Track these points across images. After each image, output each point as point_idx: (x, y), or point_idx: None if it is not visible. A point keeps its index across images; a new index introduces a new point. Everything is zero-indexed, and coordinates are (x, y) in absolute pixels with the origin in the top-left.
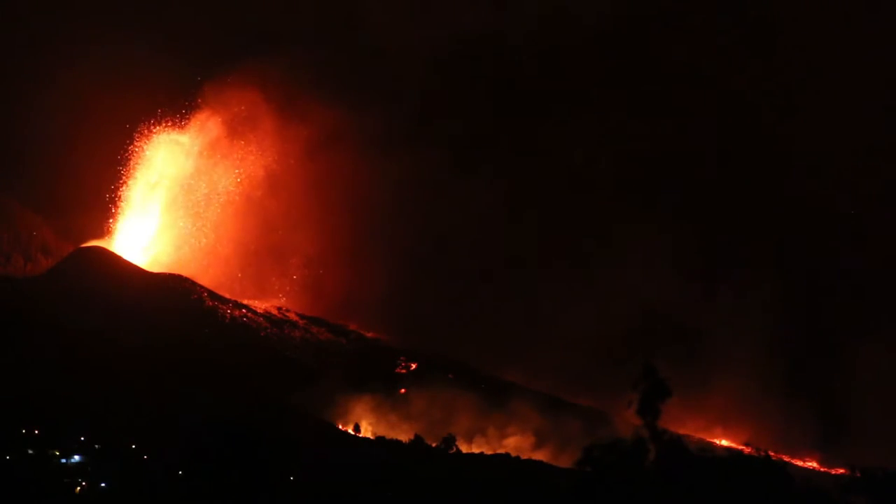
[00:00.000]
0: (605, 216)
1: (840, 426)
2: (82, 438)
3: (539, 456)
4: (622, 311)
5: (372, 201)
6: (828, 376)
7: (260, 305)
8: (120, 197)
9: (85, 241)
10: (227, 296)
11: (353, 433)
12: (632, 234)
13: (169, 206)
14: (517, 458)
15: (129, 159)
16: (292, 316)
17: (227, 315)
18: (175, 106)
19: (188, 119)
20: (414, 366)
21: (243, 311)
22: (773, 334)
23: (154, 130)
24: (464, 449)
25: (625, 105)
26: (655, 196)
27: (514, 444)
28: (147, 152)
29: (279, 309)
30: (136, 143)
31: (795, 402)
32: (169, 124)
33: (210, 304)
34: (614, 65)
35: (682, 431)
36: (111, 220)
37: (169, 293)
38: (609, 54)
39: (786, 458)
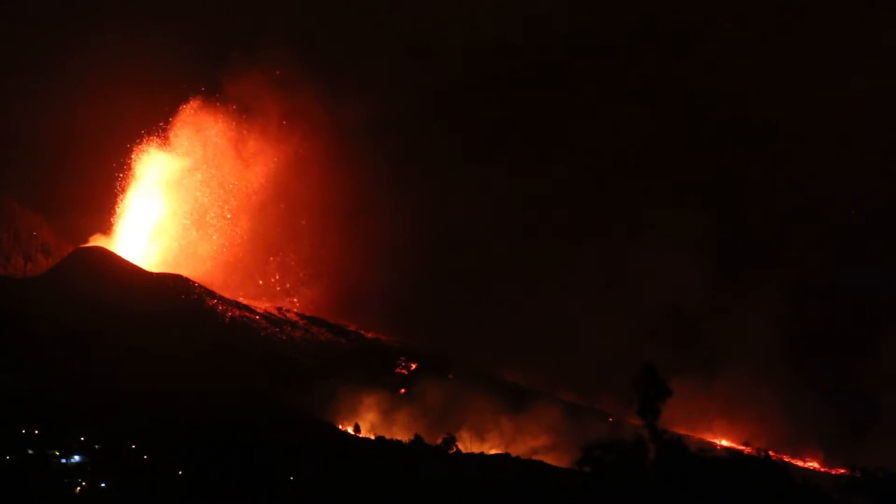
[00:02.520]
0: (612, 217)
1: (845, 427)
2: (82, 438)
3: (541, 456)
4: (628, 311)
5: (374, 200)
6: (834, 376)
7: (260, 305)
8: (121, 197)
9: (85, 241)
10: (227, 296)
11: (353, 433)
12: (640, 233)
13: (170, 205)
14: (517, 458)
15: (131, 159)
16: (292, 316)
17: (227, 315)
18: (178, 105)
19: (191, 118)
20: (414, 366)
21: (243, 311)
22: (779, 334)
23: (156, 129)
24: (468, 448)
25: (638, 104)
26: (664, 195)
27: (515, 443)
28: (148, 152)
29: (279, 309)
30: (137, 143)
31: (800, 402)
32: (171, 123)
33: (210, 304)
34: (632, 63)
35: (682, 431)
36: (112, 220)
37: (169, 293)
38: (628, 52)
39: (786, 458)
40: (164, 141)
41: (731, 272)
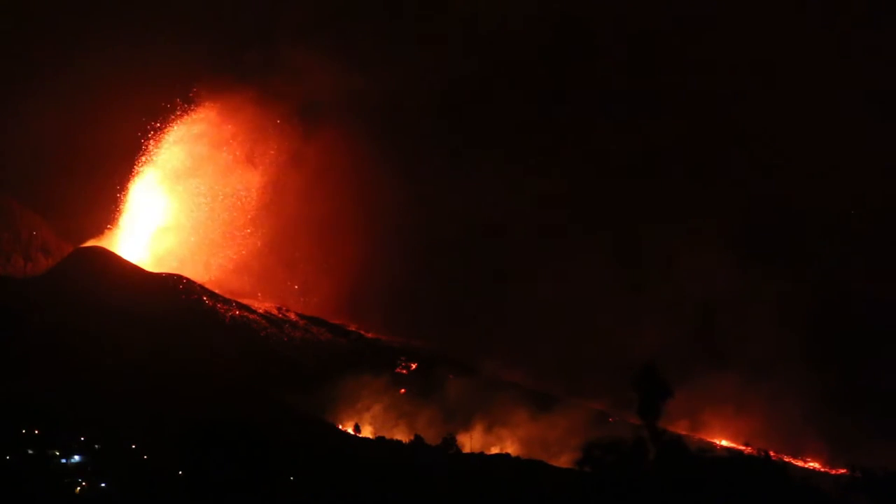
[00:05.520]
0: (609, 217)
1: (849, 427)
2: (82, 438)
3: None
4: (624, 310)
5: (377, 198)
6: (836, 376)
7: (260, 305)
8: (122, 197)
9: (85, 241)
10: (227, 296)
11: (353, 433)
12: (642, 234)
13: (170, 205)
14: (517, 458)
15: (131, 159)
16: (292, 316)
17: (227, 315)
18: (178, 105)
19: (191, 119)
20: (414, 366)
21: (243, 311)
22: (782, 333)
23: (157, 130)
24: (470, 448)
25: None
26: (669, 195)
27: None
28: (149, 152)
29: (279, 309)
30: (138, 143)
31: (803, 402)
32: (172, 123)
33: (210, 304)
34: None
35: (682, 431)
36: (112, 220)
37: (169, 293)
38: (645, 54)
39: (786, 459)
40: (168, 141)
41: (739, 270)
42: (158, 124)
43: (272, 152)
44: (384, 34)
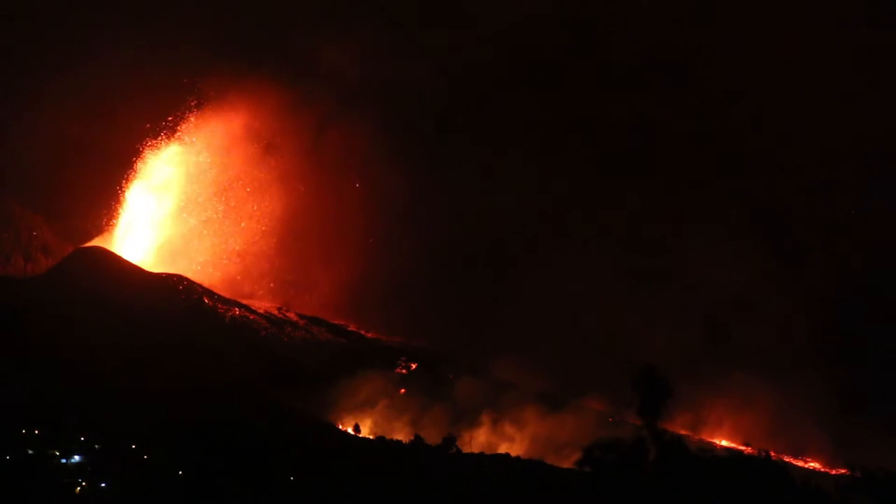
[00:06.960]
0: (613, 217)
1: (849, 427)
2: (82, 438)
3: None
4: (628, 310)
5: (377, 199)
6: (837, 377)
7: (260, 305)
8: (122, 197)
9: (85, 241)
10: (227, 296)
11: (353, 433)
12: (646, 234)
13: (170, 205)
14: (517, 458)
15: (132, 158)
16: (292, 316)
17: (227, 315)
18: (179, 105)
19: (191, 119)
20: (414, 366)
21: (243, 311)
22: (784, 333)
23: (158, 129)
24: (469, 448)
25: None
26: (674, 196)
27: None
28: (150, 152)
29: (279, 309)
30: (138, 142)
31: (804, 402)
32: (172, 123)
33: (210, 304)
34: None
35: (682, 431)
36: (112, 220)
37: (169, 293)
38: (648, 54)
39: (787, 459)
40: (169, 141)
41: (742, 271)
42: (170, 120)
43: (278, 152)
44: (388, 33)
